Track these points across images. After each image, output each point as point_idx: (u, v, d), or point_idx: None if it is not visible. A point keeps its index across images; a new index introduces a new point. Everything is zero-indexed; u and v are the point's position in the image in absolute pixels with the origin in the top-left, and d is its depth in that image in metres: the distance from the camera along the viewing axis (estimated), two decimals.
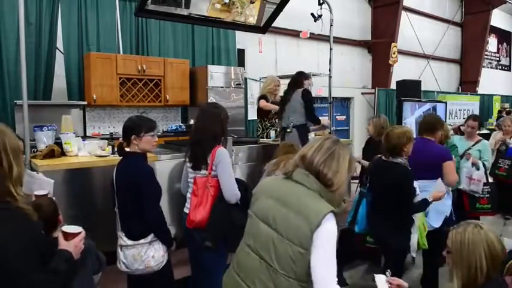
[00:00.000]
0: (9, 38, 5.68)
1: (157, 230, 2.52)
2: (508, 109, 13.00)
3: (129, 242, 2.50)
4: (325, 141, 1.79)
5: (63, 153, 3.49)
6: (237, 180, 2.71)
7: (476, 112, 13.55)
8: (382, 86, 11.57)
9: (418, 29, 13.01)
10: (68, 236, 1.63)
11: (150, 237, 2.50)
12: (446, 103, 6.02)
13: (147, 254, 2.49)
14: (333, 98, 6.49)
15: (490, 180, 4.43)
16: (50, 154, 3.37)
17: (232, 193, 2.61)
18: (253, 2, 4.94)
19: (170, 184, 3.84)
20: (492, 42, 16.65)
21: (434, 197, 3.05)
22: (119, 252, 2.57)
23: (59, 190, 2.99)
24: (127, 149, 2.58)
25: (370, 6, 12.05)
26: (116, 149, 3.76)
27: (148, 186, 2.46)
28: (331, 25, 5.85)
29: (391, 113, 11.08)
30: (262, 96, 5.37)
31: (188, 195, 2.78)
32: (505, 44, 17.71)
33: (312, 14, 6.06)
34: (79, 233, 1.65)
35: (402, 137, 3.00)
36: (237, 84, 7.31)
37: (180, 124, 7.27)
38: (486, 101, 14.66)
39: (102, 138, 4.65)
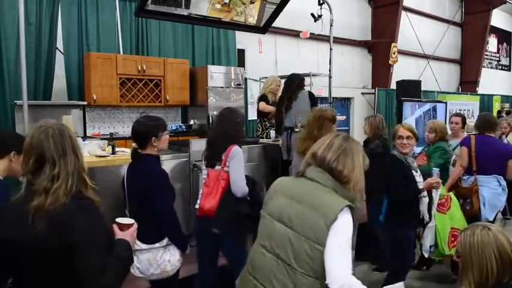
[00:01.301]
0: (9, 38, 5.67)
1: (171, 234, 2.50)
2: (508, 109, 13.00)
3: (144, 246, 2.44)
4: (335, 139, 1.80)
5: None
6: (246, 176, 2.83)
7: (477, 112, 13.55)
8: (382, 86, 11.56)
9: (418, 29, 13.01)
10: (122, 227, 1.69)
11: (166, 240, 2.47)
12: (446, 103, 6.02)
13: (162, 258, 2.45)
14: (333, 98, 6.49)
15: None
16: None
17: (239, 187, 2.73)
18: (253, 2, 4.94)
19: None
20: (492, 42, 16.64)
21: (427, 186, 3.11)
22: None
23: None
24: (142, 152, 2.53)
25: (370, 6, 12.05)
26: (114, 149, 3.78)
27: (163, 190, 2.45)
28: (331, 25, 5.86)
29: (391, 113, 11.08)
30: (262, 97, 5.38)
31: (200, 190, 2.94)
32: (505, 44, 17.70)
33: (312, 14, 6.07)
34: (132, 223, 1.73)
35: (392, 134, 3.20)
36: (237, 84, 7.30)
37: (180, 124, 7.27)
38: (486, 101, 14.65)
39: (102, 139, 4.66)
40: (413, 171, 3.12)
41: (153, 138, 2.47)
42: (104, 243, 1.54)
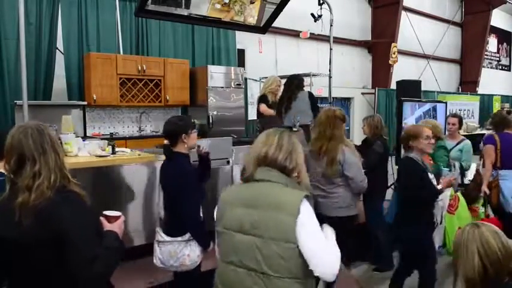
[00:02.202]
0: (9, 38, 5.68)
1: (194, 232, 2.60)
2: (508, 109, 13.00)
3: (167, 238, 2.60)
4: (282, 139, 1.79)
5: None
6: None
7: (477, 112, 13.56)
8: (382, 86, 11.56)
9: (418, 29, 13.01)
10: (110, 219, 1.74)
11: (187, 236, 2.59)
12: (446, 103, 6.01)
13: (182, 252, 2.58)
14: (333, 98, 6.49)
15: (466, 181, 4.37)
16: None
17: None
18: (253, 2, 4.95)
19: None
20: (492, 42, 16.63)
21: (447, 184, 3.18)
22: (155, 248, 2.68)
23: None
24: (174, 150, 2.71)
25: (370, 6, 12.05)
26: (114, 149, 3.77)
27: (190, 189, 2.59)
28: (331, 25, 5.86)
29: (391, 113, 11.08)
30: (262, 97, 5.36)
31: None
32: (505, 44, 17.70)
33: (312, 14, 6.07)
34: (119, 216, 1.77)
35: (408, 133, 3.18)
36: (237, 84, 7.30)
37: None
38: (486, 101, 14.65)
39: (102, 139, 4.65)
40: (429, 173, 3.13)
41: (183, 135, 2.66)
42: (92, 233, 1.59)
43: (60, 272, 1.54)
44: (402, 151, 5.09)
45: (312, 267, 1.61)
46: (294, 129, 4.36)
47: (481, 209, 3.93)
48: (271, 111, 5.11)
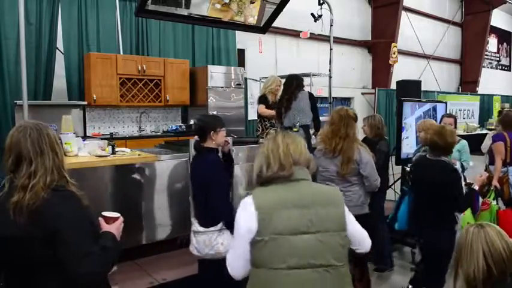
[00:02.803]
0: (9, 38, 5.67)
1: (227, 222, 2.68)
2: (508, 109, 12.98)
3: (201, 229, 2.75)
4: (299, 141, 1.87)
5: None
6: None
7: (477, 112, 13.57)
8: (382, 86, 11.56)
9: (418, 29, 13.01)
10: (108, 220, 1.76)
11: (220, 225, 2.72)
12: (446, 103, 6.00)
13: (216, 241, 2.71)
14: (333, 98, 6.49)
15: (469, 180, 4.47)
16: None
17: None
18: (253, 2, 4.95)
19: (170, 184, 3.85)
20: (492, 42, 16.63)
21: (479, 183, 3.21)
22: (192, 238, 2.83)
23: None
24: (203, 145, 2.87)
25: (370, 6, 12.05)
26: (114, 149, 3.78)
27: (220, 180, 2.76)
28: (331, 25, 5.86)
29: (391, 113, 11.07)
30: (262, 97, 5.36)
31: None
32: (505, 44, 17.70)
33: (312, 14, 6.07)
34: (118, 217, 1.80)
35: (454, 136, 3.13)
36: (237, 84, 7.30)
37: (180, 124, 7.27)
38: (486, 101, 14.66)
39: (102, 139, 4.65)
40: None
41: (212, 132, 2.81)
42: (86, 231, 1.60)
43: (53, 270, 1.56)
44: (403, 151, 5.12)
45: (359, 246, 1.89)
46: (294, 129, 4.37)
47: (493, 202, 4.00)
48: (270, 112, 5.10)
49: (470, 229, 1.66)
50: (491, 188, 4.13)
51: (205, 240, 2.73)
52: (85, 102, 6.19)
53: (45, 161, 1.61)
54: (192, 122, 7.22)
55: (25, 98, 3.77)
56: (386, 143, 4.23)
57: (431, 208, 3.03)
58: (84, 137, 5.68)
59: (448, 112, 5.76)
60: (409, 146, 5.19)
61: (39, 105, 5.51)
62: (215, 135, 2.83)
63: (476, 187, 3.12)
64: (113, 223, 1.75)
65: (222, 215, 2.70)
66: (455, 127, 4.69)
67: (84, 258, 1.52)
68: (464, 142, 4.49)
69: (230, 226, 2.65)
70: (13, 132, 1.64)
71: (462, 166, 4.34)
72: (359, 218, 3.17)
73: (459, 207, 3.08)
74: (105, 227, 1.73)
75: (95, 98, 6.09)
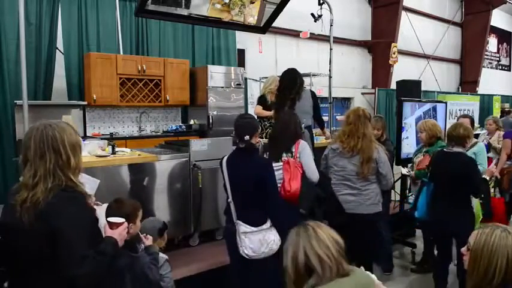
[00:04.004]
0: (9, 38, 5.68)
1: (277, 216, 2.76)
2: (508, 109, 13.00)
3: (254, 228, 2.73)
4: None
5: None
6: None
7: (477, 112, 13.55)
8: (382, 86, 11.56)
9: (418, 29, 13.01)
10: (112, 226, 1.80)
11: (269, 222, 2.77)
12: (446, 103, 5.99)
13: (270, 238, 2.74)
14: (333, 98, 6.49)
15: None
16: None
17: (313, 173, 3.13)
18: (253, 2, 4.95)
19: (170, 184, 3.84)
20: (492, 42, 16.64)
21: (489, 175, 3.76)
22: (243, 240, 2.74)
23: None
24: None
25: (370, 6, 12.05)
26: (114, 149, 3.78)
27: (273, 177, 2.81)
28: (331, 25, 5.86)
29: (391, 113, 11.07)
30: (262, 97, 5.33)
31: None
32: (505, 44, 17.70)
33: (312, 14, 6.07)
34: (122, 222, 1.83)
35: (468, 130, 3.42)
36: (237, 84, 7.30)
37: (180, 124, 7.28)
38: (486, 101, 14.63)
39: (102, 138, 4.65)
40: None
41: (256, 132, 2.86)
42: (86, 232, 1.63)
43: (51, 268, 1.58)
44: (403, 151, 5.11)
45: None
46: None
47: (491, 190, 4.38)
48: (267, 113, 4.96)
49: (496, 232, 1.64)
50: (492, 177, 4.52)
51: (261, 239, 2.72)
52: (85, 102, 6.19)
53: (46, 163, 1.63)
54: (192, 122, 7.23)
55: (25, 98, 3.77)
56: (391, 143, 4.28)
57: (452, 198, 3.28)
58: (84, 137, 5.69)
59: (448, 112, 5.79)
60: (409, 146, 5.18)
61: (39, 105, 5.51)
62: (256, 135, 2.87)
63: (488, 177, 3.62)
64: (116, 228, 1.80)
65: (276, 211, 2.76)
66: (473, 127, 4.75)
67: (80, 260, 1.54)
68: (481, 145, 4.41)
69: (279, 223, 2.77)
70: (27, 132, 1.71)
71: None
72: (375, 216, 3.28)
73: (476, 191, 3.33)
74: (109, 232, 1.78)
75: (94, 98, 6.09)
